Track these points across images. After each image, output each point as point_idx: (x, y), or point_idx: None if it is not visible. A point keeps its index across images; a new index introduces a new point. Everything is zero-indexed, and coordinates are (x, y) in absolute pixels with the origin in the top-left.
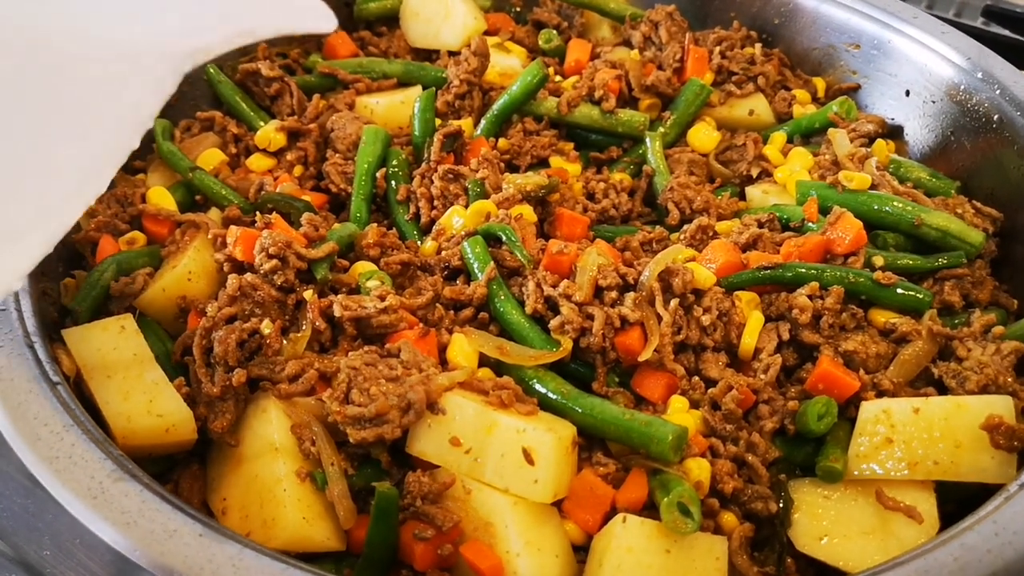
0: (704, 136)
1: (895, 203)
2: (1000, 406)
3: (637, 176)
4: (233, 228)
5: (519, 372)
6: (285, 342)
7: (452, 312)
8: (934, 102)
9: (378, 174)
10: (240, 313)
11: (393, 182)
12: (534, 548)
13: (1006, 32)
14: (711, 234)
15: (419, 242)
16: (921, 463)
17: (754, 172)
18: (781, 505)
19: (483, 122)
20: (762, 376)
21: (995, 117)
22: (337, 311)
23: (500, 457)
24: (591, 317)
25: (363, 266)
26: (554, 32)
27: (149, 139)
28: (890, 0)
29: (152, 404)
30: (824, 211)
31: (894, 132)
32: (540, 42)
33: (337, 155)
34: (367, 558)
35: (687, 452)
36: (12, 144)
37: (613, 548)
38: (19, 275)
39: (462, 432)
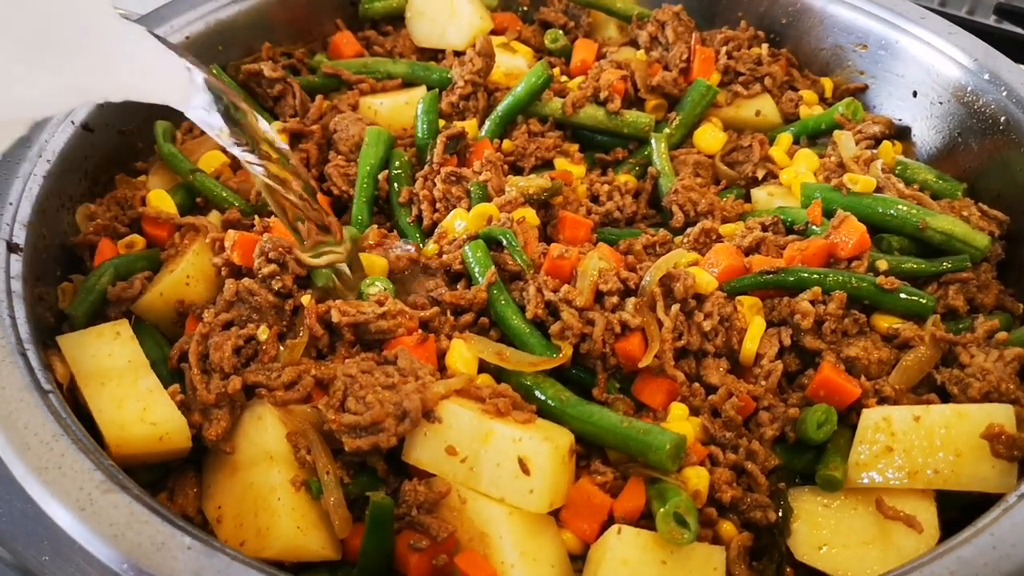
0: (710, 137)
1: (899, 206)
2: (1001, 415)
3: (643, 177)
4: (231, 232)
5: (519, 378)
6: (282, 348)
7: (452, 317)
8: (941, 103)
9: (380, 176)
10: (237, 318)
11: (395, 184)
12: (530, 559)
13: (1018, 29)
14: (715, 237)
15: (421, 245)
16: (921, 472)
17: (760, 174)
18: (780, 514)
19: (487, 123)
20: (763, 382)
21: (1002, 119)
22: (335, 317)
23: (496, 466)
24: (592, 323)
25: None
26: (560, 32)
27: (151, 141)
28: (898, 0)
29: (146, 412)
30: (828, 214)
31: (901, 133)
32: (546, 42)
33: (339, 157)
34: (362, 568)
35: (686, 460)
36: None
37: (608, 560)
38: None
39: (458, 441)
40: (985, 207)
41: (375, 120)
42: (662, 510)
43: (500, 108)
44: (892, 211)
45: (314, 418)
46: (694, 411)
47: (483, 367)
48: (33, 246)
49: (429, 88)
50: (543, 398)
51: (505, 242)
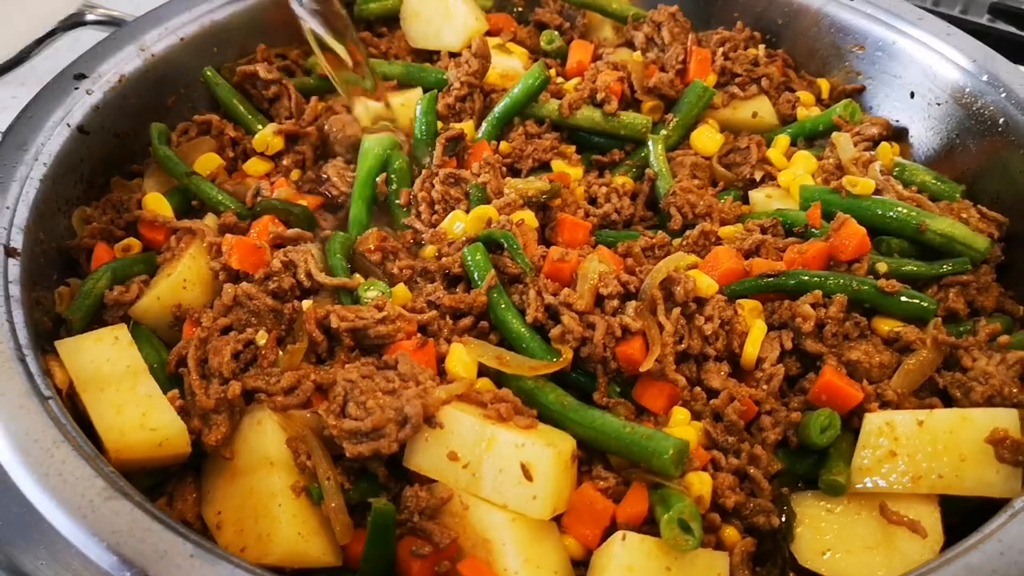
0: (707, 139)
1: (899, 208)
2: (1005, 419)
3: (639, 179)
4: (228, 236)
5: (519, 383)
6: (281, 353)
7: (452, 321)
8: (939, 104)
9: (379, 178)
10: (235, 323)
11: (394, 186)
12: (532, 565)
13: (1012, 29)
14: (713, 240)
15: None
16: (925, 476)
17: (757, 175)
18: (783, 519)
19: (484, 125)
20: (764, 386)
21: (1000, 120)
22: (334, 322)
23: (498, 472)
24: (592, 326)
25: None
26: (556, 33)
27: (147, 144)
28: (895, 1)
29: (145, 417)
30: (827, 216)
31: (899, 134)
32: (542, 43)
33: (338, 159)
34: (364, 574)
35: (688, 466)
36: None
37: (613, 566)
38: None
39: (460, 446)
40: (984, 209)
41: None
42: (666, 516)
43: (497, 109)
44: (892, 213)
45: (314, 423)
46: (696, 415)
47: (483, 371)
48: (30, 250)
49: (425, 89)
50: (544, 403)
51: (506, 245)
